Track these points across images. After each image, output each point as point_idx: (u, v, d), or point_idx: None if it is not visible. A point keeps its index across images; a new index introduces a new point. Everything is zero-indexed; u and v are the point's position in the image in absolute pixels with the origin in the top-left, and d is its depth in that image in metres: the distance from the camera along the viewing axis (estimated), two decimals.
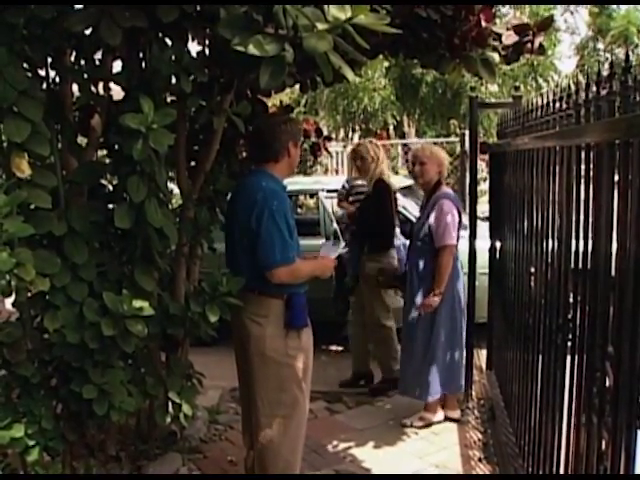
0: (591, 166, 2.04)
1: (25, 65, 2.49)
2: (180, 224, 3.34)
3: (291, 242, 2.86)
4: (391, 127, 18.46)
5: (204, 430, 4.19)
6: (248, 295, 2.94)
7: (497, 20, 3.51)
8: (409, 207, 5.98)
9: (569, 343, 2.29)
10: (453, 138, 14.19)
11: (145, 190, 2.55)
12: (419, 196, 6.15)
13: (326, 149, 4.70)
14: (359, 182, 5.42)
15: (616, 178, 1.82)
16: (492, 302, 4.70)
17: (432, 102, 16.06)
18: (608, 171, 1.87)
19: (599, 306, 1.93)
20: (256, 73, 2.02)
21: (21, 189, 2.23)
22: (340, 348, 5.90)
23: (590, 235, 2.03)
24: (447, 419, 4.29)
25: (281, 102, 4.37)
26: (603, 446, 1.85)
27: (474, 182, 4.89)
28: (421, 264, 4.14)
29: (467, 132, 5.26)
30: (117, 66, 2.95)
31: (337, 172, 15.29)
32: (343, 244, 3.45)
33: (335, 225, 5.78)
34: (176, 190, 3.61)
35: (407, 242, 4.87)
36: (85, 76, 2.87)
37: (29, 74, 2.50)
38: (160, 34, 2.86)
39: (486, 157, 5.78)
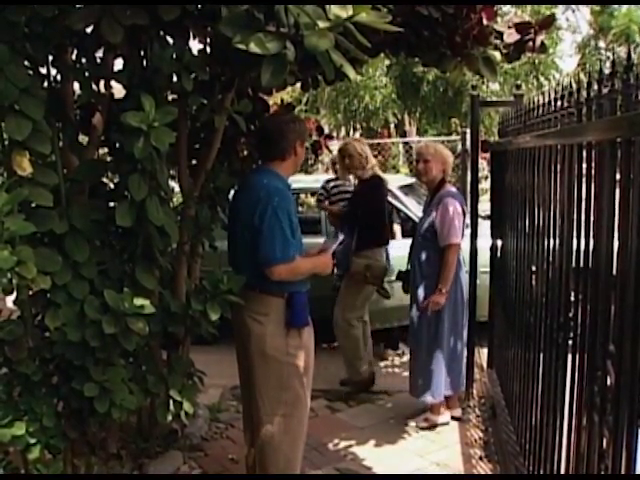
0: (592, 164, 2.04)
1: (26, 63, 2.49)
2: (181, 222, 3.34)
3: (292, 240, 2.87)
4: (392, 125, 18.45)
5: (205, 428, 4.19)
6: (249, 293, 2.94)
7: (498, 18, 3.50)
8: (410, 205, 5.99)
9: (570, 342, 2.29)
10: (454, 136, 14.17)
11: (146, 188, 2.55)
12: (420, 194, 6.17)
13: (327, 147, 4.70)
14: (339, 182, 5.43)
15: (617, 177, 1.81)
16: (493, 301, 4.70)
17: (433, 100, 16.03)
18: (610, 169, 1.87)
19: (600, 304, 1.93)
20: (257, 71, 2.02)
21: (22, 187, 2.23)
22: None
23: (591, 234, 2.03)
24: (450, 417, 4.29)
25: (282, 100, 4.36)
26: (604, 445, 1.85)
27: (475, 180, 4.89)
28: (424, 262, 4.14)
29: (468, 130, 5.25)
30: (118, 64, 2.95)
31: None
32: (340, 239, 3.44)
33: None
34: (177, 188, 3.61)
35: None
36: (86, 74, 2.86)
37: (30, 72, 2.49)
38: (161, 32, 2.86)
39: (487, 155, 5.78)
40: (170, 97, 3.13)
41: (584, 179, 2.13)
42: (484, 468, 3.67)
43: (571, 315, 2.29)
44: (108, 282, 2.71)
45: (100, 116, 2.88)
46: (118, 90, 2.97)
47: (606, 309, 1.88)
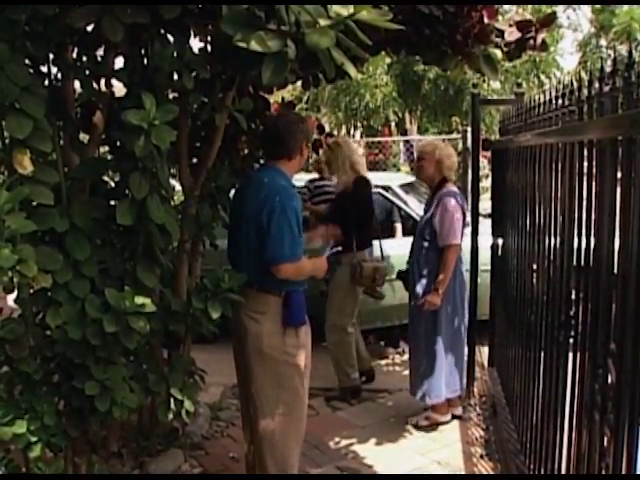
0: (594, 163, 2.04)
1: (27, 62, 2.49)
2: (182, 221, 3.33)
3: (300, 240, 2.89)
4: (393, 124, 18.43)
5: (206, 427, 4.20)
6: (247, 291, 2.94)
7: (499, 16, 3.49)
8: (411, 204, 5.99)
9: (571, 340, 2.29)
10: (455, 135, 14.16)
11: (147, 187, 2.55)
12: (421, 192, 6.16)
13: (328, 146, 4.69)
14: (323, 182, 5.40)
15: (619, 175, 1.81)
16: (494, 299, 4.70)
17: (434, 99, 16.01)
18: (611, 168, 1.87)
19: (601, 303, 1.93)
20: (258, 69, 2.02)
21: (23, 185, 2.23)
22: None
23: (592, 232, 2.03)
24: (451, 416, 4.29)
25: (283, 99, 4.36)
26: (605, 443, 1.85)
27: (476, 179, 4.88)
28: (423, 261, 4.12)
29: (469, 129, 5.24)
30: (119, 62, 2.95)
31: None
32: (331, 244, 3.44)
33: None
34: (178, 187, 3.61)
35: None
36: (87, 72, 2.86)
37: (31, 71, 2.49)
38: (162, 30, 2.85)
39: (488, 154, 5.78)
40: (171, 95, 3.13)
41: (585, 177, 2.13)
42: (485, 466, 3.67)
43: (572, 313, 2.29)
44: (109, 280, 2.71)
45: (101, 114, 2.88)
46: (119, 88, 2.97)
47: (607, 307, 1.88)
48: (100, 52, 2.85)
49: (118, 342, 2.58)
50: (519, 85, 5.12)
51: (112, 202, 2.80)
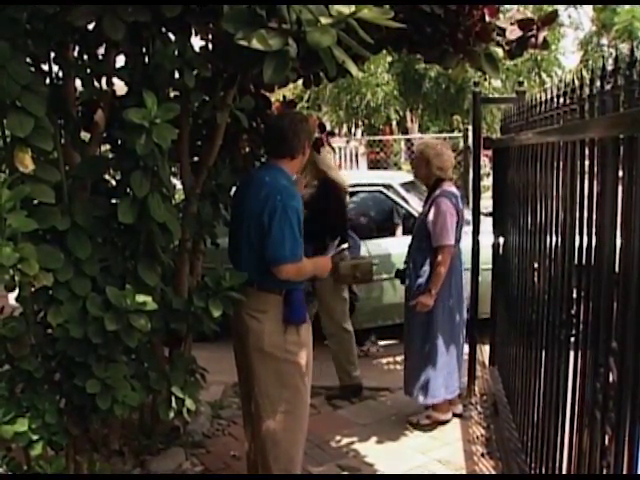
0: (595, 161, 2.03)
1: (28, 60, 2.49)
2: (183, 219, 3.34)
3: (300, 240, 2.89)
4: (394, 122, 18.40)
5: (207, 425, 4.20)
6: (247, 290, 2.94)
7: (501, 15, 3.49)
8: (412, 202, 5.99)
9: (572, 339, 2.29)
10: (456, 133, 14.16)
11: (148, 185, 2.55)
12: (422, 191, 6.16)
13: (329, 144, 4.69)
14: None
15: (620, 173, 1.81)
16: (495, 298, 4.69)
17: (435, 97, 15.98)
18: (612, 166, 1.86)
19: (603, 302, 1.93)
20: (259, 68, 2.02)
21: (24, 184, 2.23)
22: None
23: (594, 231, 2.03)
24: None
25: (284, 97, 4.35)
26: (606, 442, 1.85)
27: (477, 178, 4.88)
28: (419, 261, 4.11)
29: (470, 127, 5.23)
30: (120, 61, 2.95)
31: (340, 167, 15.29)
32: (336, 243, 3.43)
33: None
34: (179, 185, 3.61)
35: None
36: (88, 71, 2.87)
37: (32, 69, 2.49)
38: (163, 29, 2.85)
39: (489, 153, 5.78)
40: (172, 94, 3.13)
41: (586, 176, 2.12)
42: (486, 465, 3.67)
43: (573, 312, 2.29)
44: (110, 279, 2.71)
45: (102, 113, 2.88)
46: (120, 87, 2.97)
47: (609, 306, 1.88)
48: (101, 50, 2.85)
49: (119, 340, 2.58)
50: (520, 84, 5.11)
51: (113, 200, 2.80)
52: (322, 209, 4.53)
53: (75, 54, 2.86)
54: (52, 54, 2.72)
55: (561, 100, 2.50)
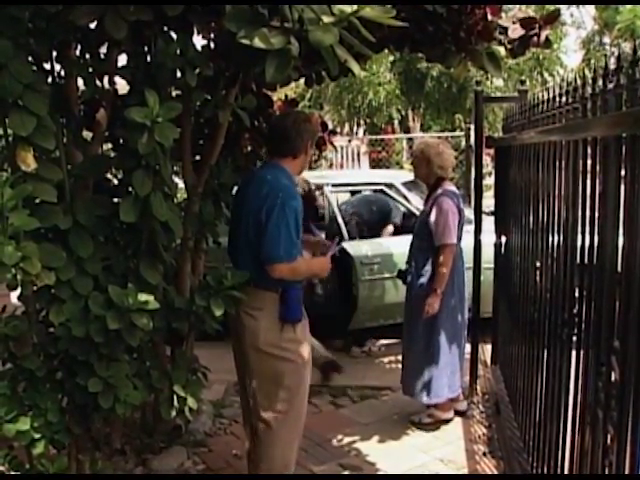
0: (597, 160, 2.03)
1: (30, 59, 2.49)
2: (185, 218, 3.34)
3: (296, 240, 2.87)
4: (396, 121, 18.41)
5: (209, 424, 4.20)
6: (244, 287, 2.93)
7: (503, 13, 3.48)
8: (413, 201, 5.99)
9: (574, 338, 2.29)
10: (458, 132, 14.18)
11: (150, 184, 2.55)
12: (424, 190, 6.16)
13: (331, 143, 4.69)
14: None
15: (622, 172, 1.81)
16: (497, 297, 4.69)
17: (437, 96, 15.99)
18: (614, 165, 1.86)
19: (605, 300, 1.93)
20: (261, 67, 2.02)
21: (26, 183, 2.23)
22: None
23: (596, 230, 2.02)
24: (454, 412, 4.29)
25: (286, 96, 4.35)
26: (608, 441, 1.85)
27: (479, 177, 4.88)
28: (420, 261, 4.11)
29: (472, 126, 5.24)
30: (122, 60, 2.95)
31: (342, 166, 15.30)
32: (337, 241, 3.42)
33: (340, 219, 5.80)
34: (181, 184, 3.61)
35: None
36: (90, 70, 2.86)
37: (34, 68, 2.50)
38: (165, 28, 2.86)
39: (491, 151, 5.78)
40: (174, 93, 3.13)
41: (589, 175, 2.12)
42: (487, 464, 3.67)
43: (575, 311, 2.29)
44: (112, 278, 2.72)
45: (104, 112, 2.89)
46: (122, 86, 2.97)
47: (611, 305, 1.88)
48: (103, 49, 2.85)
49: (121, 339, 2.58)
50: (522, 83, 5.10)
51: (115, 199, 2.80)
52: None
53: (77, 53, 2.85)
54: (54, 53, 2.72)
55: (563, 99, 2.50)
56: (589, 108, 2.12)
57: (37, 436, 2.54)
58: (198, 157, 3.59)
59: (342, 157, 15.44)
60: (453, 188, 4.17)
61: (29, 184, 2.22)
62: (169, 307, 3.05)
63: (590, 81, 2.10)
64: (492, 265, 4.70)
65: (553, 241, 2.65)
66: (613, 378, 1.84)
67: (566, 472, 2.30)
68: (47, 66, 2.72)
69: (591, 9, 22.94)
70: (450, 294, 4.06)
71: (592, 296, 2.07)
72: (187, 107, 3.11)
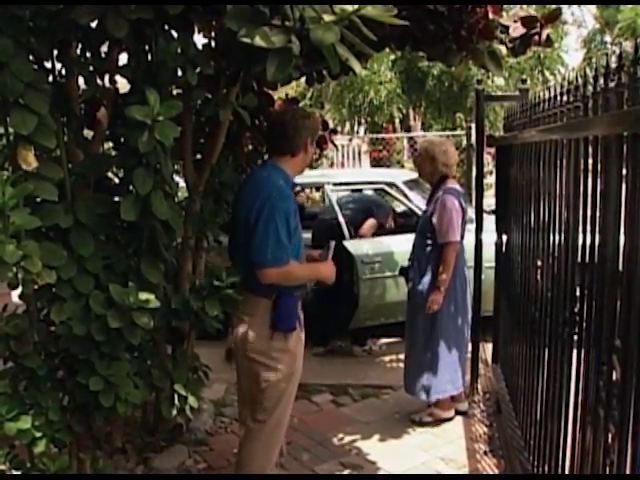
0: (599, 159, 2.03)
1: (31, 58, 2.50)
2: (186, 217, 3.34)
3: (287, 243, 2.71)
4: (397, 120, 18.39)
5: (210, 423, 4.20)
6: (240, 291, 2.90)
7: (504, 12, 3.48)
8: (415, 200, 5.99)
9: (575, 336, 2.29)
10: (459, 131, 14.16)
11: (151, 182, 2.55)
12: (425, 189, 6.16)
13: (332, 142, 4.69)
14: None
15: (624, 171, 1.81)
16: (498, 296, 4.69)
17: (438, 95, 15.96)
18: (616, 164, 1.86)
19: (606, 299, 1.93)
20: (262, 65, 2.02)
21: (27, 181, 2.23)
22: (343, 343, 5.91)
23: (597, 228, 2.02)
24: (455, 412, 4.29)
25: (287, 95, 4.35)
26: (609, 440, 1.85)
27: (480, 175, 4.87)
28: (423, 259, 4.11)
29: (473, 125, 5.24)
30: (123, 59, 2.95)
31: (343, 165, 15.29)
32: (327, 245, 3.39)
33: (341, 218, 5.79)
34: (182, 183, 3.61)
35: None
36: (91, 69, 2.87)
37: (35, 67, 2.50)
38: (166, 26, 2.86)
39: (492, 150, 5.77)
40: (175, 91, 3.13)
41: (590, 174, 2.12)
42: (488, 463, 3.67)
43: (576, 310, 2.28)
44: (113, 276, 2.72)
45: (105, 110, 2.89)
46: (123, 84, 2.97)
47: (612, 304, 1.87)
48: (104, 48, 2.86)
49: (122, 338, 2.59)
50: (523, 81, 5.10)
51: (116, 198, 2.80)
52: None
53: (78, 52, 2.86)
54: (55, 52, 2.72)
55: (564, 98, 2.50)
56: (590, 107, 2.12)
57: (38, 435, 2.54)
58: (199, 156, 3.60)
59: (343, 156, 15.42)
60: (457, 186, 4.17)
61: (30, 183, 2.22)
62: (169, 306, 3.05)
63: (591, 80, 2.09)
64: (493, 264, 4.70)
65: (554, 240, 2.65)
66: (614, 377, 1.84)
67: (567, 471, 2.30)
68: (48, 65, 2.72)
69: (592, 8, 22.93)
70: (453, 292, 4.06)
71: (593, 295, 2.07)
72: (188, 106, 3.11)
